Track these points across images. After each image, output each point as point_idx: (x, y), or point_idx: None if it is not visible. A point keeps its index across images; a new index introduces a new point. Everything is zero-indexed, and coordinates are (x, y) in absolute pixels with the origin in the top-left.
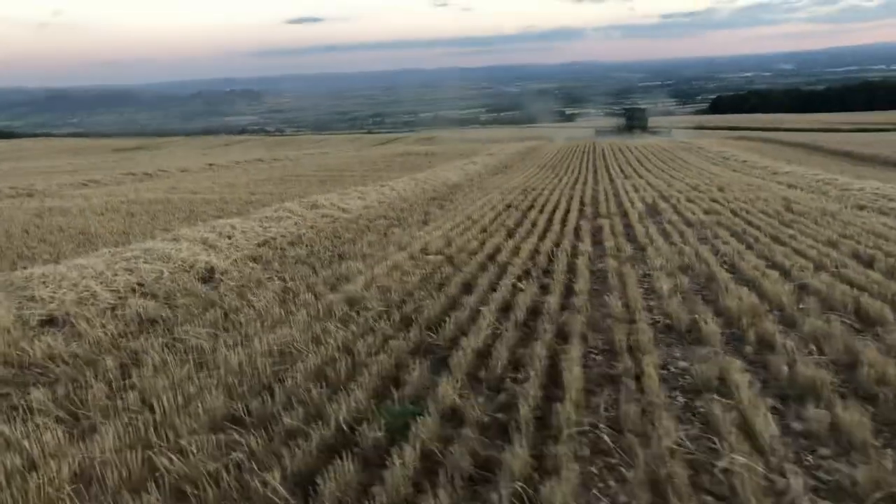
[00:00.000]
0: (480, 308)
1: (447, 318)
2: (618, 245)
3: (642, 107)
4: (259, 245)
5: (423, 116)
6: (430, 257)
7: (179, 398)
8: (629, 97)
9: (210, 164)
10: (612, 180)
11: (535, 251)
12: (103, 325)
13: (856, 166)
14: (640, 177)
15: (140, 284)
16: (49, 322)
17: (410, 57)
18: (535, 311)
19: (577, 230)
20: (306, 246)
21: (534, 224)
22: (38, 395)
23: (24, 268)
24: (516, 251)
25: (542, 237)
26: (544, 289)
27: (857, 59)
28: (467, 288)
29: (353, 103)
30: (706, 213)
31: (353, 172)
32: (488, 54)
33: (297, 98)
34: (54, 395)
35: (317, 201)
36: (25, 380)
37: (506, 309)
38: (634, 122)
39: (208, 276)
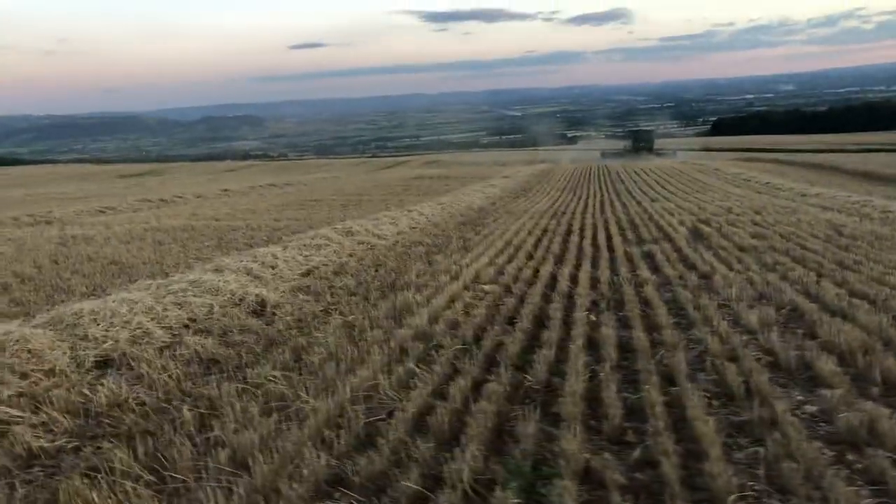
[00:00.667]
0: (566, 345)
1: (533, 357)
2: (679, 273)
3: (648, 129)
4: (303, 275)
5: (426, 140)
6: (486, 287)
7: (275, 456)
8: (631, 120)
9: (225, 190)
10: (639, 203)
11: (594, 279)
12: (163, 367)
13: (879, 187)
14: (667, 199)
15: (192, 320)
16: (104, 363)
17: (412, 81)
18: (625, 348)
19: (628, 256)
20: (351, 275)
21: (580, 249)
22: (118, 453)
23: (63, 301)
24: (574, 280)
25: (594, 264)
26: (623, 322)
27: (857, 80)
28: (539, 322)
29: (355, 128)
30: (754, 237)
31: (371, 197)
32: (489, 78)
33: (299, 123)
34: (134, 452)
35: (351, 228)
36: (95, 432)
37: (592, 346)
38: (640, 143)
39: (260, 309)
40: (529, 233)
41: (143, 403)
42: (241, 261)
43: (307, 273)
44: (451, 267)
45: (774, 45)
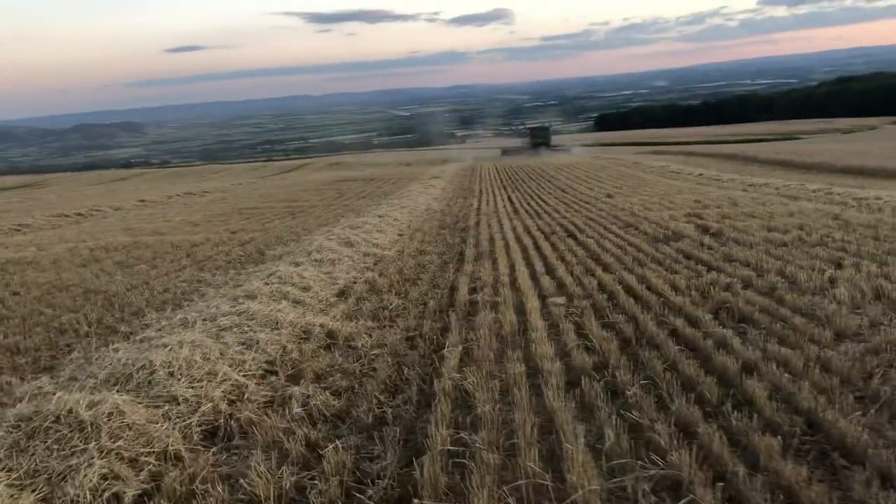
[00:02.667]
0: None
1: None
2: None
3: (545, 126)
4: (337, 295)
5: (315, 142)
6: (557, 300)
7: None
8: (517, 118)
9: (142, 201)
10: (610, 197)
11: (672, 285)
12: (289, 431)
13: (803, 174)
14: (625, 196)
15: (270, 363)
16: (212, 433)
17: (297, 83)
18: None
19: (683, 254)
20: (396, 294)
21: (622, 250)
22: None
23: (70, 345)
24: (651, 288)
25: (640, 264)
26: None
27: (725, 75)
28: (654, 343)
29: (240, 132)
30: (771, 230)
31: (312, 203)
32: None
33: (180, 128)
34: None
35: (349, 238)
36: None
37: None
38: (538, 140)
39: (332, 342)
40: (530, 235)
41: (302, 488)
42: (268, 283)
43: (341, 293)
44: (500, 278)
45: (648, 43)
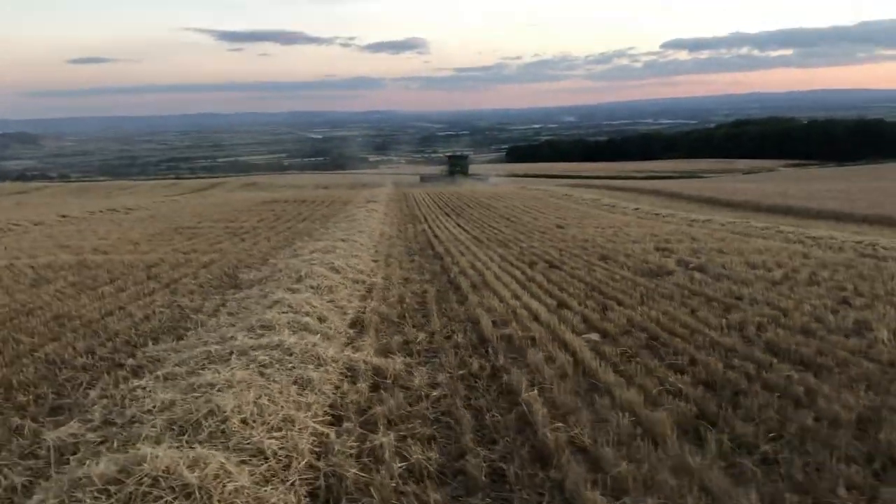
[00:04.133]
0: None
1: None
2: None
3: (464, 154)
4: (351, 326)
5: (223, 161)
6: (592, 336)
7: None
8: (430, 146)
9: (64, 216)
10: (561, 228)
11: (706, 323)
12: (401, 494)
13: (738, 211)
14: (577, 228)
15: (332, 406)
16: (313, 495)
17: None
18: None
19: (687, 290)
20: (412, 325)
21: (619, 283)
22: None
23: (84, 384)
24: (686, 326)
25: (650, 299)
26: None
27: (629, 113)
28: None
29: (144, 148)
30: (753, 267)
31: (248, 222)
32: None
33: (80, 141)
34: None
35: (333, 263)
36: None
37: None
38: (457, 168)
39: (380, 380)
40: (510, 264)
41: None
42: (285, 314)
43: (354, 324)
44: (518, 311)
45: (557, 79)
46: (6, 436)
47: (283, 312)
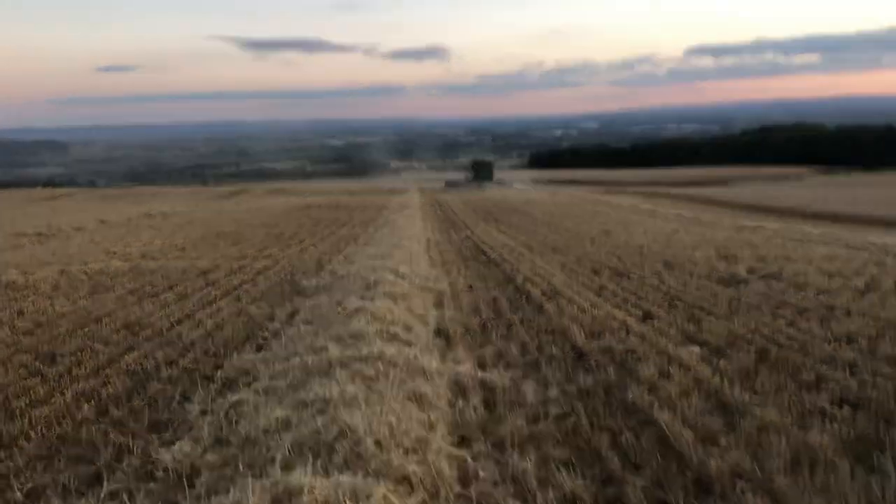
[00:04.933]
0: None
1: None
2: None
3: (488, 160)
4: (437, 335)
5: (247, 168)
6: (694, 349)
7: None
8: (452, 152)
9: (103, 221)
10: (607, 234)
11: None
12: None
13: (783, 217)
14: (624, 235)
15: (454, 425)
16: None
17: (230, 108)
18: None
19: (775, 301)
20: (499, 336)
21: (705, 292)
22: None
23: (220, 395)
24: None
25: (734, 311)
26: None
27: (652, 119)
28: None
29: (170, 155)
30: (831, 276)
31: (289, 228)
32: (311, 108)
33: (107, 148)
34: None
35: (398, 270)
36: None
37: None
38: (481, 174)
39: (490, 396)
40: (572, 270)
41: None
42: (366, 320)
43: (438, 333)
44: (609, 323)
45: (579, 86)
46: (113, 454)
47: (369, 321)
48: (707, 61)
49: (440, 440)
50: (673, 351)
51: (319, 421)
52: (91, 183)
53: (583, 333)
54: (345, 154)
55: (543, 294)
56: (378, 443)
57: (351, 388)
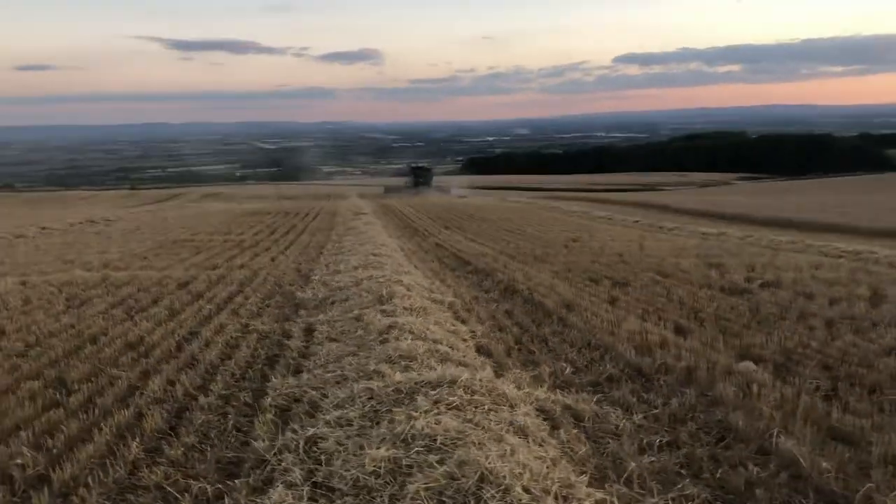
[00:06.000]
0: None
1: None
2: None
3: (427, 166)
4: (478, 352)
5: (173, 171)
6: (748, 366)
7: None
8: (386, 157)
9: (44, 228)
10: (575, 241)
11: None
12: None
13: (733, 224)
14: (592, 242)
15: (570, 460)
16: None
17: (155, 110)
18: None
19: (781, 309)
20: (545, 351)
21: (712, 302)
22: None
23: (312, 431)
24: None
25: (763, 323)
26: None
27: (582, 127)
28: None
29: (92, 157)
30: (831, 284)
31: (244, 235)
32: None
33: (25, 150)
34: None
35: (402, 281)
36: None
37: None
38: (420, 179)
39: (578, 422)
40: (566, 279)
41: None
42: (406, 338)
43: (480, 350)
44: (644, 337)
45: (511, 92)
46: None
47: (410, 339)
48: (634, 69)
49: (580, 482)
50: (733, 368)
51: (447, 464)
52: (9, 186)
53: (632, 350)
54: (276, 157)
55: (558, 306)
56: (527, 490)
57: (451, 422)
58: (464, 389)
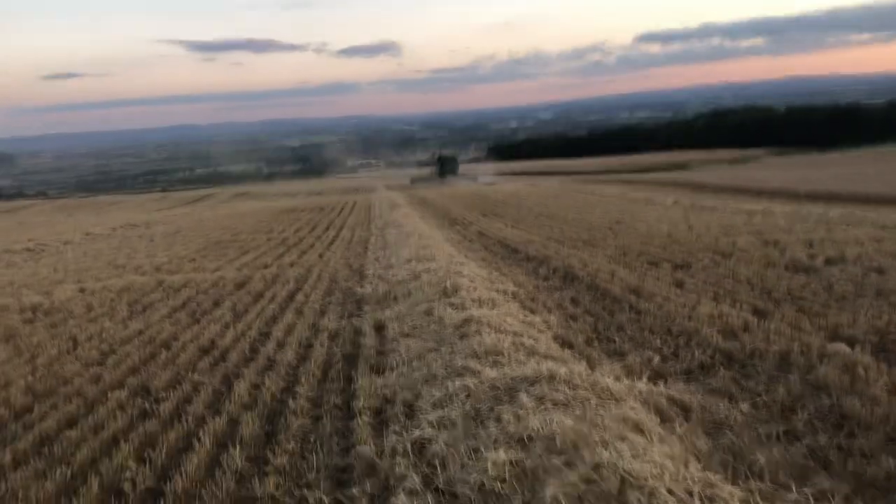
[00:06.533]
0: None
1: None
2: None
3: (452, 155)
4: (561, 345)
5: (200, 173)
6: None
7: None
8: (410, 147)
9: (88, 234)
10: (619, 223)
11: None
12: None
13: (776, 200)
14: (641, 222)
15: (699, 460)
16: None
17: (181, 112)
18: None
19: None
20: (624, 339)
21: (786, 283)
22: None
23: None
24: None
25: (849, 301)
26: None
27: (605, 108)
28: None
29: (120, 162)
30: None
31: (285, 232)
32: (263, 109)
33: (56, 158)
34: None
35: (462, 272)
36: None
37: None
38: (446, 168)
39: (684, 415)
40: (629, 266)
41: None
42: (484, 332)
43: (559, 341)
44: (734, 324)
45: (532, 77)
46: None
47: (490, 333)
48: (656, 48)
49: (721, 481)
50: (827, 350)
51: (578, 466)
52: (42, 194)
53: (717, 335)
54: (301, 154)
55: (625, 291)
56: (670, 491)
57: (566, 420)
58: (566, 384)
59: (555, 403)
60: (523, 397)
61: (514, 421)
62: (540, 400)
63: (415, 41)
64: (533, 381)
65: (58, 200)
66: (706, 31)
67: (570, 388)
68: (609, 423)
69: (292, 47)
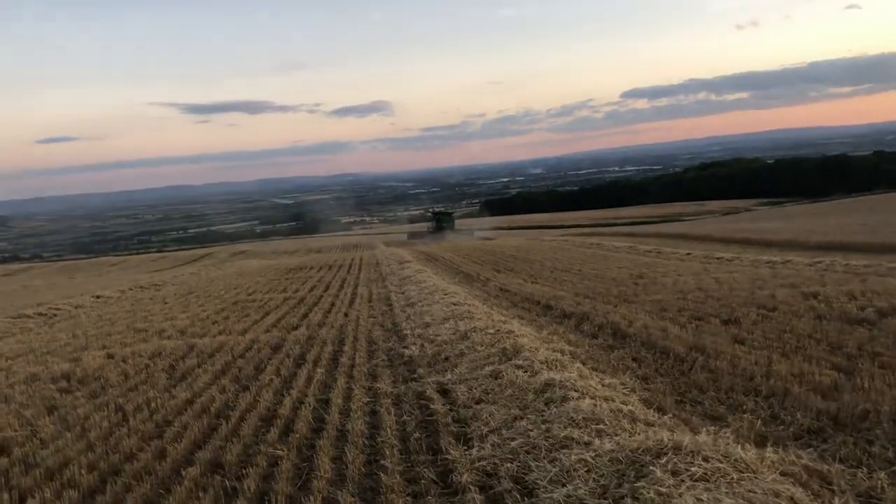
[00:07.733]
0: None
1: None
2: None
3: (448, 211)
4: (656, 410)
5: (194, 232)
6: None
7: None
8: (403, 203)
9: (98, 296)
10: (641, 278)
11: None
12: None
13: (790, 251)
14: (662, 276)
15: None
16: None
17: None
18: None
19: None
20: (711, 401)
21: (822, 333)
22: None
23: None
24: None
25: None
26: None
27: (594, 163)
28: None
29: (115, 223)
30: None
31: (300, 292)
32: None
33: (51, 220)
34: None
35: (514, 331)
36: None
37: None
38: (443, 223)
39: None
40: (674, 321)
41: None
42: (596, 404)
43: (646, 403)
44: (791, 376)
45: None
46: None
47: (586, 399)
48: (643, 103)
49: None
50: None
51: None
52: (37, 257)
53: (812, 395)
54: (296, 212)
55: (686, 349)
56: None
57: (724, 499)
58: (697, 456)
59: (693, 478)
60: (657, 472)
61: (657, 499)
62: (675, 474)
63: (406, 101)
64: (658, 454)
65: (57, 263)
66: (691, 87)
67: (703, 460)
68: (763, 498)
69: (286, 108)
